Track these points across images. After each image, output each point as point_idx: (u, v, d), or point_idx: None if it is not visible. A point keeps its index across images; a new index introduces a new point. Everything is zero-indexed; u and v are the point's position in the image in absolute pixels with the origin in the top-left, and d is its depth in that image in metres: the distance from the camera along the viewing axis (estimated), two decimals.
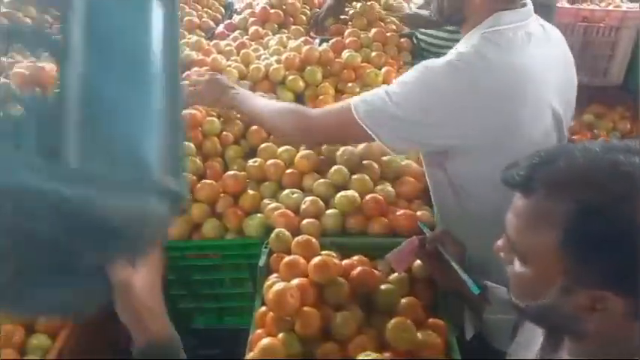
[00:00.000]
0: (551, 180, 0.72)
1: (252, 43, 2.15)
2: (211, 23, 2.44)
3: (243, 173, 1.53)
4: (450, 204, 1.34)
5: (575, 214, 0.69)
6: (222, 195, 1.48)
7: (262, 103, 1.49)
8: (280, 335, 1.07)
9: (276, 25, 2.31)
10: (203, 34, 2.32)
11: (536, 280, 0.75)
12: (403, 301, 1.14)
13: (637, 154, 0.72)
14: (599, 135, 2.13)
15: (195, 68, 1.84)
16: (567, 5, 2.33)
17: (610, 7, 2.31)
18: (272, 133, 1.59)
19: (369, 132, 1.22)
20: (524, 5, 1.25)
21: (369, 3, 2.40)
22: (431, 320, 1.13)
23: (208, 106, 1.67)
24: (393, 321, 1.07)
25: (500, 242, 0.82)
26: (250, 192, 1.48)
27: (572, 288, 0.72)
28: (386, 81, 1.85)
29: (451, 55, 1.22)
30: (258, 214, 1.43)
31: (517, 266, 0.78)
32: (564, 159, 0.72)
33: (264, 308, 1.14)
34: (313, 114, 1.39)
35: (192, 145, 1.58)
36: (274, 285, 1.11)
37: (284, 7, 2.37)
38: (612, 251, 0.68)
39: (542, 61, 1.23)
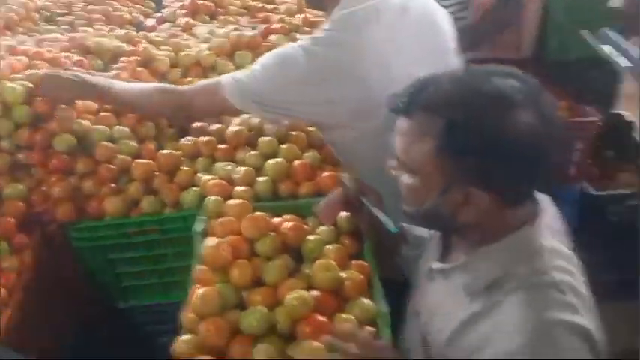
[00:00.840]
0: (425, 102, 0.87)
1: (183, 34, 2.22)
2: (142, 18, 2.48)
3: (177, 152, 1.60)
4: (354, 163, 1.45)
5: (444, 128, 0.84)
6: (157, 173, 1.54)
7: (127, 87, 1.55)
8: (216, 285, 1.15)
9: (206, 17, 2.37)
10: (134, 28, 2.36)
11: (422, 187, 0.90)
12: (328, 246, 1.23)
13: (511, 76, 0.87)
14: None
15: (123, 58, 1.89)
16: None
17: None
18: (144, 114, 1.64)
19: (237, 106, 1.36)
20: None
21: None
22: (355, 262, 1.22)
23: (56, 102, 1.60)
24: (317, 262, 1.16)
25: (390, 162, 0.95)
26: (185, 168, 1.55)
27: (448, 189, 0.87)
28: None
29: (307, 39, 1.35)
30: (194, 188, 1.50)
31: (406, 179, 0.92)
32: (434, 85, 0.87)
33: (201, 267, 1.22)
34: (184, 91, 1.50)
35: (126, 128, 1.63)
36: (208, 242, 1.19)
37: None
38: (475, 156, 0.83)
39: (398, 36, 1.33)
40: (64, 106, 1.58)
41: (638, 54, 1.26)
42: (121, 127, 1.62)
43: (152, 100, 1.49)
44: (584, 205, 2.33)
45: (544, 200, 0.99)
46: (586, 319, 0.84)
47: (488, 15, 2.44)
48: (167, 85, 1.58)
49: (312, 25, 2.21)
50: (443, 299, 0.99)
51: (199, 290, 1.11)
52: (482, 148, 0.83)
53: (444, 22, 1.48)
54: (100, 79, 1.59)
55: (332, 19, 1.34)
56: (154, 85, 1.61)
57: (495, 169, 0.84)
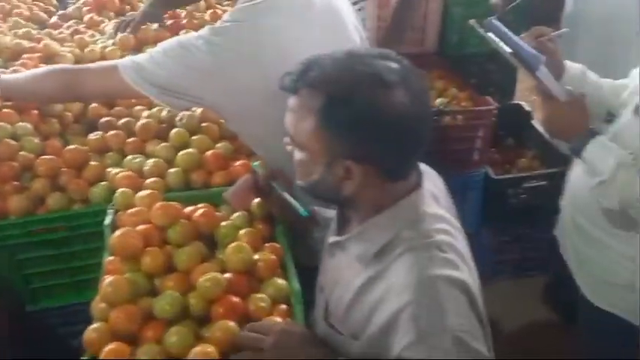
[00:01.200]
0: (309, 80, 0.92)
1: (89, 30, 2.16)
2: (43, 15, 2.39)
3: (84, 147, 1.56)
4: (263, 150, 1.48)
5: (324, 104, 0.90)
6: (63, 169, 1.50)
7: (22, 75, 1.52)
8: (126, 274, 1.14)
9: (112, 13, 2.33)
10: (36, 26, 2.28)
11: (309, 161, 0.96)
12: (241, 232, 1.25)
13: (388, 58, 0.93)
14: None
15: (24, 55, 1.83)
16: None
17: None
18: (38, 100, 1.61)
19: (139, 89, 1.34)
20: None
21: None
22: (267, 244, 1.26)
23: None
24: (230, 246, 1.18)
25: (285, 139, 1.00)
26: (93, 163, 1.52)
27: (331, 162, 0.93)
28: None
29: (206, 29, 1.35)
30: (103, 182, 1.48)
31: (296, 154, 0.98)
32: (319, 64, 0.93)
33: (111, 257, 1.21)
34: (77, 70, 1.47)
35: (28, 125, 1.58)
36: (117, 232, 1.18)
37: None
38: (352, 131, 0.90)
39: (300, 27, 1.36)
40: None
41: (517, 40, 1.37)
42: (24, 124, 1.57)
43: (44, 83, 1.45)
44: (487, 189, 2.48)
45: (427, 171, 1.08)
46: (465, 274, 0.92)
47: (395, 15, 2.55)
48: (59, 65, 1.54)
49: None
50: (341, 271, 1.04)
51: (108, 279, 1.10)
52: (358, 124, 0.89)
53: (349, 16, 1.53)
54: None
55: (232, 11, 1.36)
56: (47, 68, 1.56)
57: (371, 144, 0.90)
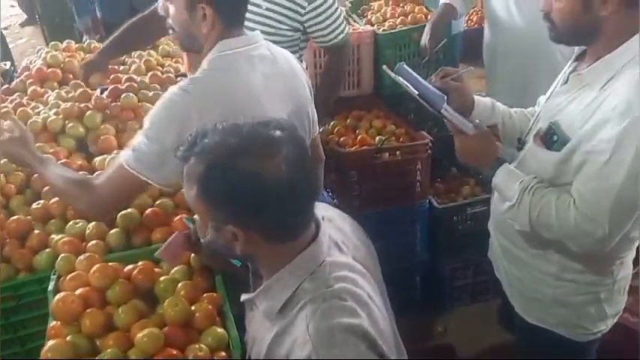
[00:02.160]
0: (195, 150, 0.98)
1: (32, 102, 2.23)
2: None
3: (27, 217, 1.61)
4: None
5: (203, 173, 0.97)
6: (7, 240, 1.54)
7: (55, 173, 1.51)
8: (68, 338, 1.18)
9: (55, 84, 2.39)
10: None
11: (201, 224, 1.05)
12: (179, 285, 1.31)
13: (278, 127, 1.01)
14: (361, 134, 2.53)
15: None
16: None
17: (351, 31, 2.77)
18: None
19: (144, 178, 1.35)
20: (244, 33, 1.47)
21: (145, 52, 2.60)
22: (206, 295, 1.31)
23: (10, 160, 1.69)
24: (166, 300, 1.24)
25: None
26: (36, 231, 1.57)
27: (218, 226, 1.00)
28: None
29: (185, 81, 1.41)
30: (47, 249, 1.52)
31: (196, 216, 1.07)
32: (205, 135, 0.99)
33: (53, 323, 1.25)
34: (97, 185, 1.42)
35: None
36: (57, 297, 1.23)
37: (62, 65, 2.47)
38: (227, 199, 0.97)
39: (265, 80, 1.45)
40: None
41: (423, 82, 1.50)
42: None
43: (75, 197, 1.46)
44: (434, 218, 2.58)
45: (330, 215, 1.15)
46: (364, 320, 0.97)
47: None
48: (84, 180, 1.51)
49: (162, 81, 2.32)
50: (256, 327, 1.10)
51: (49, 342, 1.15)
52: (233, 193, 0.95)
53: (302, 74, 1.63)
54: (46, 159, 1.58)
55: (209, 60, 1.41)
56: (79, 177, 1.55)
57: (248, 212, 0.96)
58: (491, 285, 2.72)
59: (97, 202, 1.42)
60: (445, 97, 1.48)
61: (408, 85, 1.50)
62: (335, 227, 1.14)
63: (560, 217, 1.32)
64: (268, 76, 1.46)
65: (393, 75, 1.57)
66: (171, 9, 1.43)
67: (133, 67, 2.45)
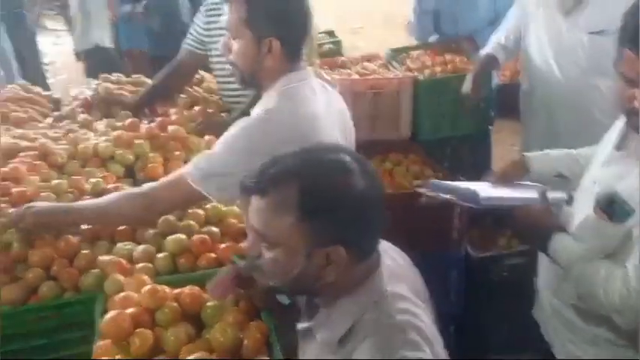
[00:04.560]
0: (276, 177, 0.98)
1: (81, 129, 2.29)
2: (39, 118, 2.53)
3: (76, 238, 1.63)
4: None
5: (298, 196, 0.96)
6: (56, 258, 1.56)
7: (96, 203, 1.58)
8: (116, 357, 1.18)
9: (104, 112, 2.47)
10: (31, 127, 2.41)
11: (287, 256, 0.99)
12: (227, 312, 1.30)
13: (341, 151, 1.04)
14: (397, 177, 2.54)
15: (22, 153, 1.94)
16: (357, 77, 2.83)
17: (391, 76, 2.83)
18: (120, 224, 1.65)
19: (204, 193, 1.43)
20: (305, 67, 1.55)
21: (190, 88, 2.68)
22: (253, 323, 1.30)
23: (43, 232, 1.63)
24: (216, 325, 1.23)
25: (247, 242, 1.07)
26: (84, 252, 1.58)
27: (311, 252, 0.97)
28: (210, 147, 2.08)
29: (259, 111, 1.48)
30: (94, 270, 1.53)
31: (268, 254, 1.00)
32: (279, 163, 1.00)
33: (101, 342, 1.24)
34: (152, 193, 1.52)
35: None
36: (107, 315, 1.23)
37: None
38: (329, 217, 0.96)
39: (325, 109, 1.53)
40: None
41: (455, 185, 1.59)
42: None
43: (122, 210, 1.53)
44: (469, 267, 2.54)
45: (387, 247, 1.14)
46: (428, 355, 0.96)
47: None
48: (130, 191, 1.61)
49: (206, 115, 2.38)
50: (312, 356, 1.08)
51: None
52: (333, 209, 0.96)
53: (345, 106, 1.70)
54: (68, 205, 1.65)
55: (279, 92, 1.46)
56: (119, 193, 1.62)
57: (346, 226, 0.97)
58: (530, 342, 2.66)
59: (152, 207, 1.52)
60: (478, 192, 1.53)
61: (445, 195, 1.58)
62: (390, 257, 1.13)
63: (607, 289, 1.31)
64: (327, 109, 1.52)
65: (430, 193, 1.64)
66: (236, 45, 1.48)
67: (179, 102, 2.53)
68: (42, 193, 1.75)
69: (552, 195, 1.57)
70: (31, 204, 1.59)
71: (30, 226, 1.56)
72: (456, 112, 2.74)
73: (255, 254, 1.03)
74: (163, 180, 1.57)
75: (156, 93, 2.53)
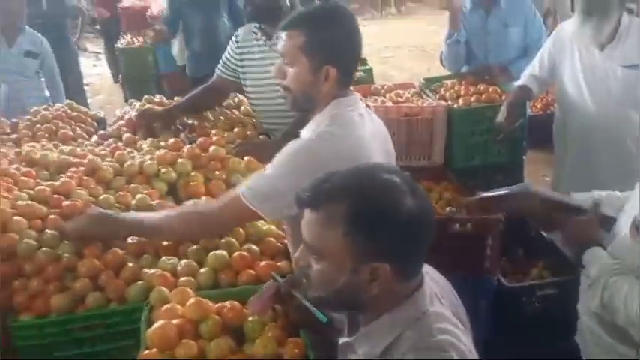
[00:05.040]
0: (329, 193, 1.03)
1: (127, 148, 2.39)
2: (85, 135, 2.64)
3: (122, 251, 1.70)
4: None
5: (349, 212, 1.00)
6: (103, 269, 1.62)
7: (152, 217, 1.67)
8: None
9: (148, 132, 2.56)
10: (78, 145, 2.51)
11: (333, 269, 1.03)
12: (267, 326, 1.34)
13: (392, 171, 1.08)
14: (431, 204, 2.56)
15: (73, 169, 2.03)
16: (391, 104, 2.89)
17: (425, 104, 2.88)
18: (174, 239, 1.72)
19: (259, 212, 1.49)
20: (353, 92, 1.63)
21: (228, 111, 2.77)
22: (291, 339, 1.33)
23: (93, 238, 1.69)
24: (256, 340, 1.28)
25: (297, 254, 1.10)
26: (130, 264, 1.64)
27: (357, 267, 1.01)
28: (249, 168, 2.15)
29: (312, 134, 1.53)
30: (139, 282, 1.59)
31: (315, 266, 1.05)
32: (333, 179, 1.05)
33: (147, 351, 1.29)
34: (207, 211, 1.61)
35: None
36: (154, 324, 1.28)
37: None
38: (376, 233, 1.00)
39: (371, 134, 1.59)
40: None
41: None
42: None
43: (175, 227, 1.61)
44: (500, 297, 2.54)
45: (429, 270, 1.17)
46: None
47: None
48: (186, 210, 1.71)
49: (245, 137, 2.46)
50: None
51: None
52: (382, 226, 0.99)
53: (387, 132, 1.75)
54: (128, 215, 1.74)
55: (331, 116, 1.53)
56: (172, 211, 1.71)
57: (394, 243, 1.01)
58: None
59: (208, 226, 1.61)
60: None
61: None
62: (432, 279, 1.16)
63: (627, 303, 1.35)
64: (373, 133, 1.58)
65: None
66: (291, 71, 1.54)
67: (219, 123, 2.61)
68: (90, 207, 1.83)
69: (604, 211, 1.66)
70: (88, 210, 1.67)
71: (82, 229, 1.64)
72: (489, 141, 2.77)
73: (305, 265, 1.07)
74: (219, 200, 1.64)
75: (185, 107, 2.64)
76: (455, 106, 2.86)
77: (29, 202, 1.80)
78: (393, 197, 1.01)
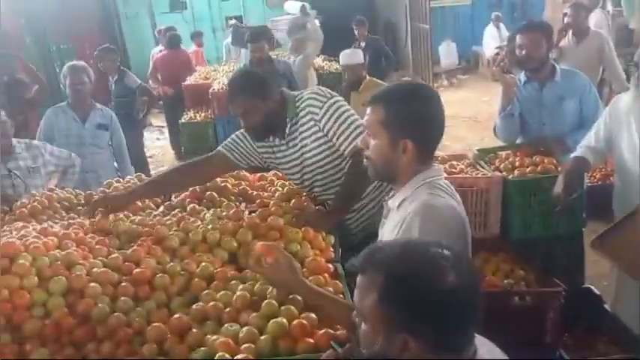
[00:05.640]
0: (372, 261, 1.11)
1: (191, 217, 2.51)
2: (152, 206, 2.79)
3: (186, 317, 1.77)
4: None
5: (384, 282, 1.08)
6: (169, 335, 1.69)
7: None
8: None
9: (210, 203, 2.69)
10: (145, 215, 2.65)
11: (371, 332, 1.11)
12: None
13: (447, 248, 1.12)
14: (487, 276, 2.54)
15: (142, 237, 2.16)
16: (446, 175, 2.91)
17: (479, 175, 2.90)
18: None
19: None
20: (438, 165, 1.71)
21: (287, 182, 2.88)
22: None
23: (274, 285, 1.79)
24: None
25: (354, 312, 1.18)
26: (194, 330, 1.71)
27: (390, 335, 1.07)
28: (305, 237, 2.22)
29: (416, 205, 1.57)
30: (203, 348, 1.65)
31: (362, 326, 1.14)
32: (382, 249, 1.14)
33: None
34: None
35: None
36: None
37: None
38: (406, 308, 1.05)
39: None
40: None
41: None
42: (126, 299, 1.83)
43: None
44: None
45: (483, 341, 1.18)
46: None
47: None
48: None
49: (302, 207, 2.54)
50: None
51: None
52: (412, 302, 1.05)
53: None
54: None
55: (427, 186, 1.61)
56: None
57: (423, 320, 1.05)
58: None
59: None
60: None
61: None
62: (489, 352, 1.17)
63: None
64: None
65: None
66: (373, 142, 1.65)
67: (277, 194, 2.72)
68: (157, 275, 1.93)
69: None
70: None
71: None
72: (547, 212, 2.74)
73: (358, 324, 1.16)
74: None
75: (148, 189, 2.69)
76: (510, 177, 2.87)
77: (103, 269, 1.91)
78: (430, 273, 1.06)
